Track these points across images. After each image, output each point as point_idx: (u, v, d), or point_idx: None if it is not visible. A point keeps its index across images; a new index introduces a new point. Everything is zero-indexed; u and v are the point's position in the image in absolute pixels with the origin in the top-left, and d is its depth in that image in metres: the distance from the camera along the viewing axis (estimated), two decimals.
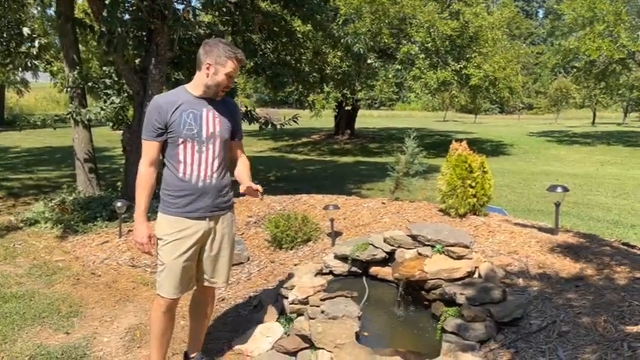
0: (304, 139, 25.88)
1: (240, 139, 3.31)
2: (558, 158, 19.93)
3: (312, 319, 3.73)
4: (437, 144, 21.25)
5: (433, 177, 6.17)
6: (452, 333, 3.41)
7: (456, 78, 18.28)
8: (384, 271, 4.42)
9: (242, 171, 3.29)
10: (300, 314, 3.97)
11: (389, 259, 4.41)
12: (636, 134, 27.40)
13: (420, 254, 4.03)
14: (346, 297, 3.84)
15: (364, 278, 4.49)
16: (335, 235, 5.32)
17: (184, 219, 3.07)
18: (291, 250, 5.41)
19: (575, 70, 27.40)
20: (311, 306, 3.83)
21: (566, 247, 4.26)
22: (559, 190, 4.50)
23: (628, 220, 8.59)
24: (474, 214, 5.32)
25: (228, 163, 3.23)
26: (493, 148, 22.18)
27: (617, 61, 23.22)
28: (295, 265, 5.07)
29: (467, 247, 3.96)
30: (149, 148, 3.06)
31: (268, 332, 3.84)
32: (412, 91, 18.73)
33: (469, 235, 4.20)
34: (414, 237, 4.11)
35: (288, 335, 3.81)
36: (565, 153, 21.20)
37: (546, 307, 3.50)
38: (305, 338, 3.56)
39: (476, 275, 3.91)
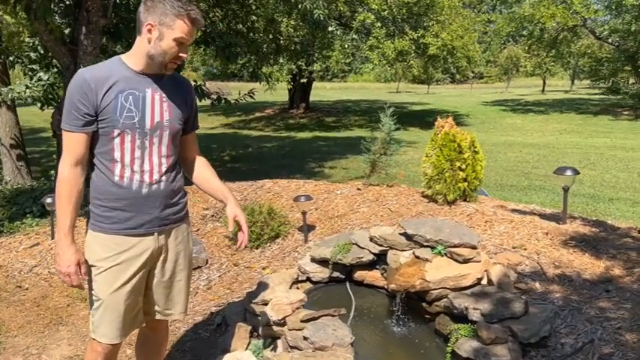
0: (258, 114, 24.84)
1: (194, 131, 2.49)
2: (515, 127, 19.79)
3: (294, 347, 3.00)
4: (394, 116, 20.69)
5: (403, 153, 5.52)
6: (468, 359, 2.76)
7: (413, 47, 17.65)
8: (372, 276, 3.73)
9: (211, 179, 2.49)
10: (276, 337, 3.24)
11: (377, 261, 3.72)
12: (585, 101, 27.78)
13: (417, 257, 3.34)
14: (333, 316, 3.13)
15: (348, 285, 3.78)
16: (307, 229, 4.58)
17: (124, 237, 2.25)
18: (257, 249, 4.64)
19: (525, 38, 27.34)
20: (290, 330, 3.10)
21: (581, 240, 3.68)
22: (568, 172, 3.91)
23: (604, 194, 8.26)
24: (465, 200, 4.70)
25: (179, 162, 2.41)
26: None
27: (568, 28, 23.21)
28: (263, 268, 4.31)
29: (474, 247, 3.30)
30: (72, 142, 2.19)
31: None
32: (370, 61, 18.00)
33: (474, 233, 3.55)
34: (409, 237, 3.42)
35: None
36: (521, 122, 21.11)
37: (576, 320, 2.89)
38: None
39: (484, 280, 3.27)
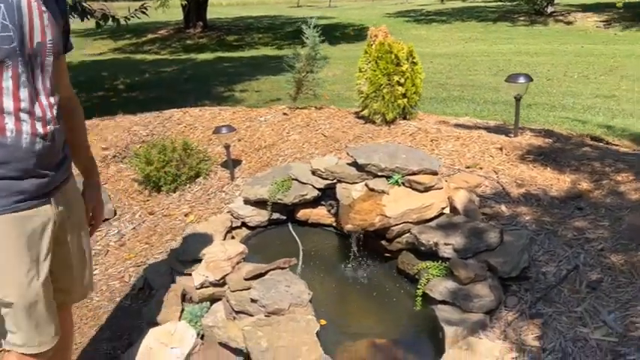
0: (150, 36, 22.67)
1: (67, 52, 1.77)
2: (422, 39, 19.60)
3: (240, 312, 2.49)
4: (301, 32, 19.73)
5: (319, 70, 4.93)
6: (444, 303, 2.41)
7: None
8: (317, 214, 3.26)
9: (79, 137, 1.96)
10: (215, 300, 2.71)
11: (321, 197, 3.23)
12: (483, 9, 28.15)
13: (372, 190, 2.88)
14: (283, 269, 2.63)
15: (291, 226, 3.29)
16: (233, 164, 3.96)
17: (17, 215, 1.56)
18: (174, 192, 3.97)
19: None
20: (233, 291, 2.57)
21: (539, 153, 3.40)
22: (521, 80, 3.55)
23: (526, 100, 8.24)
24: (405, 118, 4.26)
25: None
26: (357, 33, 21.22)
27: None
28: (186, 215, 3.69)
29: (435, 173, 2.89)
30: None
31: (171, 340, 2.54)
32: None
33: (433, 157, 3.13)
34: (360, 167, 2.93)
35: (204, 342, 2.56)
36: (426, 33, 20.94)
37: (554, 245, 2.61)
38: (236, 350, 2.33)
39: (447, 209, 2.89)
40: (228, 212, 3.33)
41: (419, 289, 2.52)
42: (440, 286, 2.45)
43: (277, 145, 4.21)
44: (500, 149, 3.49)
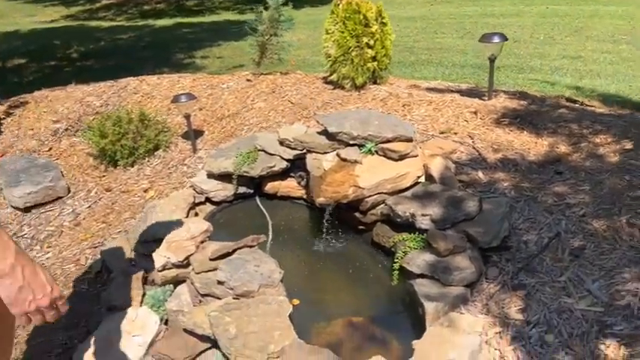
0: (105, 2, 21.63)
1: None
2: (387, 1, 19.24)
3: (206, 295, 2.32)
4: None
5: (284, 34, 4.68)
6: (423, 276, 2.28)
7: None
8: (287, 186, 3.08)
9: None
10: (179, 282, 2.53)
11: (290, 169, 3.05)
12: None
13: (344, 160, 2.71)
14: (251, 247, 2.46)
15: (259, 200, 3.10)
16: (194, 135, 3.73)
17: None
18: (132, 166, 3.72)
19: None
20: (198, 273, 2.39)
21: (514, 116, 3.28)
22: (496, 39, 3.39)
23: (495, 63, 8.13)
24: (375, 83, 4.08)
25: None
26: None
27: None
28: (145, 191, 3.46)
29: (410, 140, 2.73)
30: None
31: (133, 327, 2.36)
32: None
33: (407, 122, 2.97)
34: (331, 135, 2.75)
35: (169, 328, 2.38)
36: None
37: (535, 211, 2.51)
38: (203, 337, 2.17)
39: (423, 178, 2.75)
40: (190, 187, 3.12)
41: (396, 262, 2.39)
42: (418, 259, 2.32)
43: (241, 113, 3.98)
44: (475, 113, 3.36)
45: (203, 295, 2.33)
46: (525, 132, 3.09)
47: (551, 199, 2.54)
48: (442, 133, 3.25)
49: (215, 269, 2.37)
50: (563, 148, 2.89)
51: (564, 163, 2.77)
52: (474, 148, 3.02)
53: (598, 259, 2.20)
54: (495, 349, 1.97)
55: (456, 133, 3.20)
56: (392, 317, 2.27)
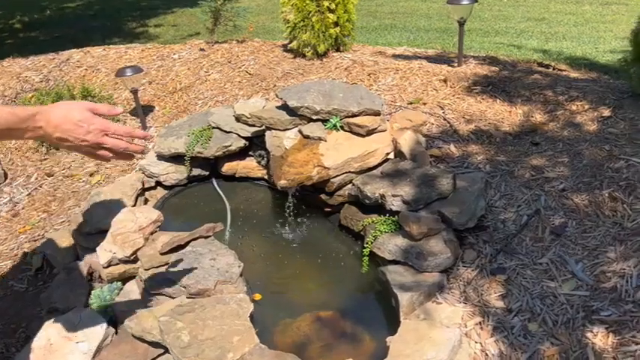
0: None
1: None
2: None
3: (157, 295, 2.09)
4: None
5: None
6: (395, 263, 2.11)
7: None
8: (246, 166, 2.84)
9: None
10: (129, 278, 2.29)
11: (249, 147, 2.80)
12: None
13: (307, 137, 2.48)
14: (207, 237, 2.23)
15: (215, 182, 2.85)
16: (143, 112, 3.42)
17: None
18: None
19: None
20: (147, 269, 2.15)
21: (486, 83, 3.09)
22: (465, 1, 3.15)
23: (454, 26, 7.94)
24: (338, 50, 3.82)
25: None
26: None
27: None
28: (91, 175, 3.16)
29: (377, 113, 2.51)
30: None
31: (76, 332, 2.11)
32: None
33: (374, 94, 2.75)
34: (292, 110, 2.50)
35: (119, 332, 2.15)
36: None
37: (512, 187, 2.35)
38: (154, 343, 1.94)
39: (392, 154, 2.55)
40: (140, 170, 2.84)
41: (365, 247, 2.20)
42: (389, 244, 2.14)
43: (195, 86, 3.68)
44: (444, 81, 3.16)
45: (154, 295, 2.09)
46: (498, 100, 2.91)
47: (529, 173, 2.38)
48: (411, 103, 3.04)
49: (167, 264, 2.14)
50: (538, 117, 2.72)
51: (540, 133, 2.61)
52: (444, 119, 2.83)
53: (581, 237, 2.05)
54: (476, 342, 1.81)
55: (425, 104, 3.00)
56: (363, 310, 2.08)
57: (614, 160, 2.32)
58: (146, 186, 2.73)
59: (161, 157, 2.76)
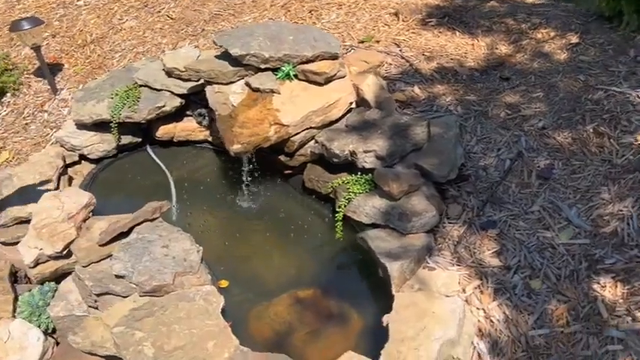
0: None
1: None
2: None
3: (103, 295, 1.75)
4: None
5: None
6: (375, 226, 1.88)
7: None
8: (185, 128, 2.47)
9: None
10: (62, 275, 1.92)
11: (187, 105, 2.42)
12: None
13: (256, 90, 2.13)
14: (153, 220, 1.88)
15: (150, 150, 2.46)
16: (51, 72, 2.89)
17: None
18: None
19: None
20: (85, 266, 1.79)
21: (441, 15, 2.83)
22: None
23: None
24: None
25: None
26: None
27: None
28: None
29: (335, 57, 2.19)
30: None
31: (5, 349, 1.75)
32: None
33: (328, 34, 2.41)
34: (235, 59, 2.13)
35: (58, 342, 1.81)
36: None
37: (488, 129, 2.15)
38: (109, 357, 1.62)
39: (354, 104, 2.26)
40: (57, 143, 2.39)
41: (338, 212, 1.95)
42: (365, 207, 1.90)
43: (108, 37, 3.16)
44: (396, 15, 2.87)
45: (99, 295, 1.75)
46: (457, 33, 2.67)
47: (504, 112, 2.19)
48: (362, 42, 2.74)
49: (109, 257, 1.79)
50: (503, 49, 2.51)
51: (509, 66, 2.41)
52: (403, 57, 2.56)
53: (570, 179, 1.90)
54: (478, 309, 1.64)
55: (378, 42, 2.71)
56: (346, 284, 1.87)
57: (591, 91, 2.16)
58: (68, 161, 2.30)
59: (81, 125, 2.32)
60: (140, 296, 1.66)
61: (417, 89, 2.39)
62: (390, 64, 2.55)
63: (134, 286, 1.67)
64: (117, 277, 1.70)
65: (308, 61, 2.14)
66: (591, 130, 2.01)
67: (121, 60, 3.00)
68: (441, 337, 1.46)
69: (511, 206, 1.88)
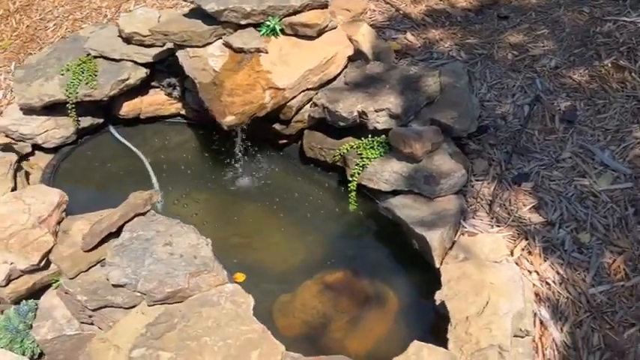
0: None
1: None
2: None
3: (101, 309, 1.48)
4: None
5: None
6: (396, 193, 1.69)
7: None
8: (153, 102, 2.14)
9: None
10: (41, 290, 1.62)
11: (152, 76, 2.08)
12: None
13: (239, 51, 1.84)
14: (144, 214, 1.60)
15: (115, 131, 2.12)
16: None
17: None
18: None
19: None
20: (73, 277, 1.50)
21: None
22: None
23: None
24: None
25: None
26: None
27: None
28: None
29: (324, 5, 1.92)
30: None
31: None
32: None
33: None
34: (209, 16, 1.81)
35: None
36: None
37: (497, 73, 1.99)
38: None
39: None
40: (2, 134, 2.00)
41: (351, 181, 1.74)
42: (384, 172, 1.70)
43: (36, 3, 2.71)
44: None
45: (95, 310, 1.47)
46: None
47: (511, 54, 2.02)
48: None
49: (100, 262, 1.50)
50: None
51: (504, 3, 2.24)
52: (387, 2, 2.33)
53: (596, 120, 1.78)
54: (530, 272, 1.50)
55: None
56: (375, 260, 1.66)
57: (599, 24, 2.03)
58: (21, 153, 1.93)
59: (30, 109, 1.95)
60: (149, 306, 1.40)
61: (410, 36, 2.18)
62: (374, 10, 2.32)
63: (140, 295, 1.41)
64: (115, 286, 1.42)
65: (295, 12, 1.87)
66: (610, 65, 1.88)
67: (56, 30, 2.58)
68: (509, 310, 1.31)
69: (539, 155, 1.74)
